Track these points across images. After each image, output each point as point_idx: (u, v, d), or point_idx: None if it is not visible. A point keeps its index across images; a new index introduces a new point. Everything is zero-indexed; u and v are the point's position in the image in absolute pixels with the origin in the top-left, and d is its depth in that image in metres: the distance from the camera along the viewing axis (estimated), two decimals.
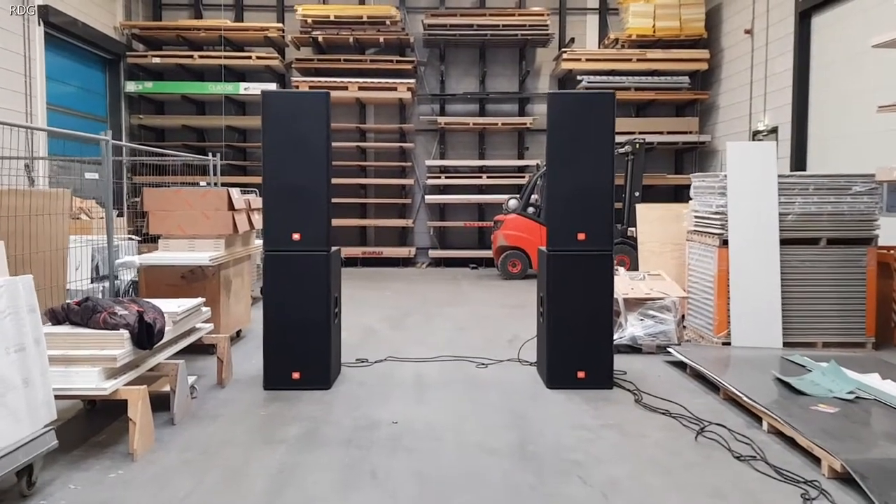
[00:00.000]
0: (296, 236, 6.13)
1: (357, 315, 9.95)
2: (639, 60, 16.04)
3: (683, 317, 7.94)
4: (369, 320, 9.64)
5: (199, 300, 6.21)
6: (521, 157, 17.63)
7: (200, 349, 6.97)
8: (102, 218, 10.13)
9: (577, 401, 5.87)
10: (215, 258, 7.06)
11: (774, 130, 13.47)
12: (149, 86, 16.30)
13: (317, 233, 6.15)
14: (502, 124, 16.90)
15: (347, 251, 16.47)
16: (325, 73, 16.45)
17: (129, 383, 4.78)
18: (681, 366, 7.00)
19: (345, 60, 16.54)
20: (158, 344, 5.10)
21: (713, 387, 6.25)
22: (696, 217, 8.51)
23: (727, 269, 7.71)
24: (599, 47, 17.22)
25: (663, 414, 5.52)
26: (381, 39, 16.37)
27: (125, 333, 4.76)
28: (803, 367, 6.35)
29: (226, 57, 16.20)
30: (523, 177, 16.81)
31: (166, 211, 7.32)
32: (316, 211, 6.14)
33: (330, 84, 16.12)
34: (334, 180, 16.95)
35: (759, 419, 5.30)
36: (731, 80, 15.58)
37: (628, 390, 6.19)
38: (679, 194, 17.19)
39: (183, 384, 5.41)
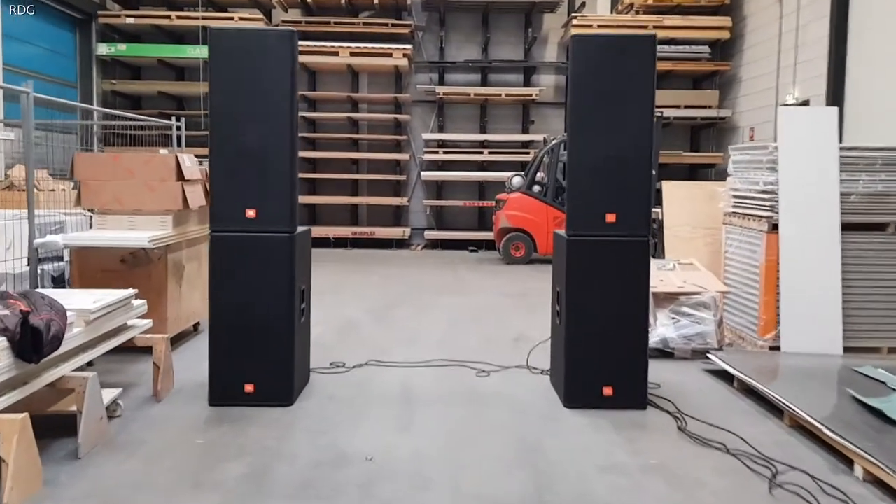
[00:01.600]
0: (250, 213, 4.85)
1: (338, 305, 8.71)
2: (655, 27, 14.71)
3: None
4: (352, 311, 8.38)
5: (130, 292, 4.96)
6: (525, 131, 16.42)
7: (143, 349, 5.70)
8: (53, 190, 8.89)
9: (604, 428, 4.61)
10: (157, 239, 5.77)
11: (805, 104, 12.17)
12: (122, 48, 14.98)
13: (278, 209, 4.88)
14: (506, 95, 15.68)
15: (337, 231, 15.45)
16: (313, 36, 15.14)
17: (8, 409, 3.53)
18: (724, 376, 5.75)
19: (335, 23, 15.25)
20: (55, 353, 3.84)
21: (770, 406, 5.00)
22: (735, 196, 7.23)
23: (776, 258, 6.45)
24: (612, 13, 15.94)
25: (718, 449, 4.26)
26: (376, 1, 15.06)
27: (1, 341, 3.51)
28: (883, 383, 5.10)
29: (206, 18, 14.84)
30: (528, 152, 15.68)
31: (101, 181, 6.03)
32: (277, 181, 4.86)
33: (319, 49, 14.88)
34: (323, 154, 16.12)
35: (845, 458, 4.06)
36: (755, 50, 14.29)
37: (667, 412, 4.93)
38: (695, 173, 16.01)
39: (93, 404, 4.15)
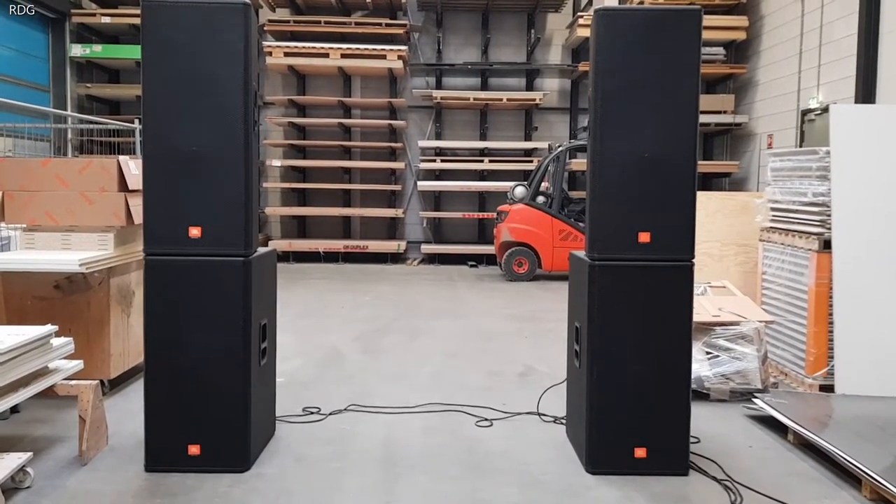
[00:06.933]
0: (194, 232, 3.89)
1: (323, 331, 7.76)
2: None
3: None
4: (337, 339, 7.41)
5: (47, 329, 3.99)
6: (528, 138, 15.52)
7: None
8: None
9: None
10: (90, 261, 4.80)
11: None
12: (98, 49, 14.04)
13: (229, 226, 3.91)
14: (507, 100, 14.74)
15: (327, 245, 14.55)
16: (302, 37, 14.27)
17: None
18: (774, 424, 4.77)
19: (325, 23, 14.34)
20: None
21: (841, 469, 4.04)
22: (775, 210, 6.29)
23: (829, 281, 5.50)
24: None
25: None
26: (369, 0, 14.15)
27: None
28: None
29: None
30: (531, 161, 14.75)
31: (28, 191, 5.08)
32: (228, 192, 3.90)
33: (309, 50, 13.97)
34: (313, 163, 15.17)
35: None
36: (774, 52, 13.36)
37: (714, 479, 3.96)
38: (708, 183, 15.05)
39: None
